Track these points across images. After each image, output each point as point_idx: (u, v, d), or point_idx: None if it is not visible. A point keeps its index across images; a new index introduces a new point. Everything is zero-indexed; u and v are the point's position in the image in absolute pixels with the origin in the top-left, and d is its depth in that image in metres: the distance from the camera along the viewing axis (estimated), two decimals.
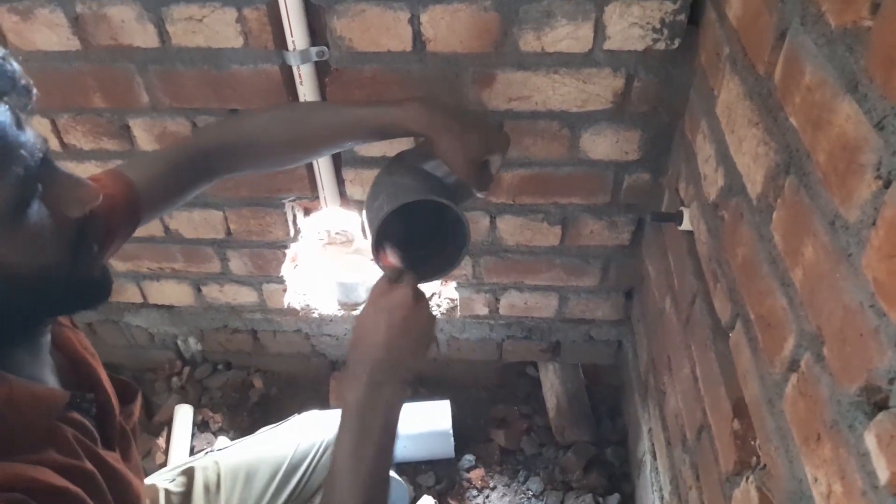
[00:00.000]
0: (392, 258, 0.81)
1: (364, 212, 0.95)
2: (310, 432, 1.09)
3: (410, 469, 1.57)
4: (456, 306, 1.57)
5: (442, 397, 1.61)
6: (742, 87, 0.84)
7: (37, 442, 0.60)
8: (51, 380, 0.66)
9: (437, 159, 0.82)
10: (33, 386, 0.62)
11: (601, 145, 1.20)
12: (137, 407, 0.79)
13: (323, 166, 1.31)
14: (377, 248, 0.81)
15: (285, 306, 1.59)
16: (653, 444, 1.31)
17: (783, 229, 0.70)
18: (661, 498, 1.22)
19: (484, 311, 1.56)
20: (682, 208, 1.06)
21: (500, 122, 1.17)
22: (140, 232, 1.47)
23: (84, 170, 1.37)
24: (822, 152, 0.62)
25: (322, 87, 1.20)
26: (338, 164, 1.32)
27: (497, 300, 1.53)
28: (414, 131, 0.82)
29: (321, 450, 1.07)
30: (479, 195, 0.89)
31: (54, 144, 1.33)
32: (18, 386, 0.60)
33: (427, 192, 0.79)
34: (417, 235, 0.89)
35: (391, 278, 0.76)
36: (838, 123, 0.59)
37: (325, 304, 1.61)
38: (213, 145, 0.88)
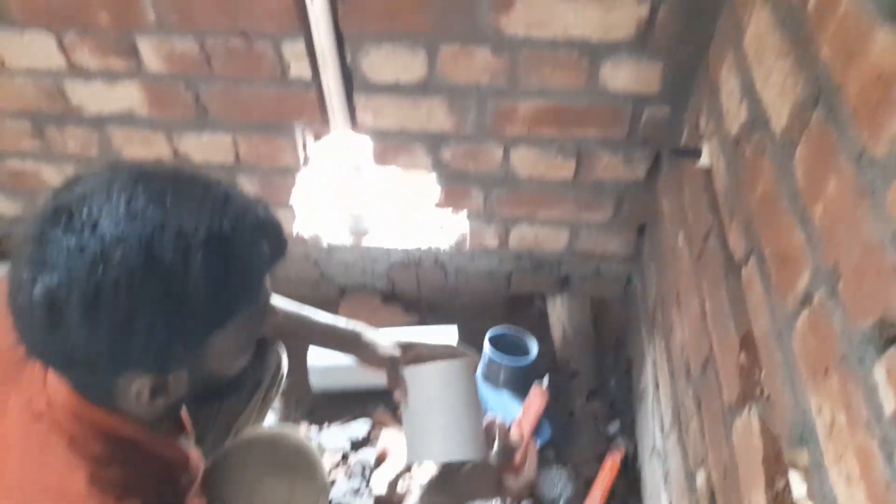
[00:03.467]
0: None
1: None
2: None
3: None
4: (465, 238, 1.57)
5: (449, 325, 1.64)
6: (773, 18, 0.81)
7: (191, 483, 0.81)
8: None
9: None
10: (195, 452, 0.84)
11: (621, 77, 1.17)
12: None
13: (334, 92, 1.29)
14: None
15: (294, 234, 1.60)
16: (656, 376, 1.34)
17: (806, 164, 0.69)
18: (661, 427, 1.26)
19: (494, 243, 1.56)
20: (701, 144, 1.05)
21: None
22: (148, 154, 1.47)
23: (92, 91, 1.35)
24: (854, 85, 0.60)
25: (334, 9, 1.16)
26: (349, 89, 1.29)
27: (507, 233, 1.54)
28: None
29: None
30: None
31: (60, 62, 1.31)
32: (195, 453, 0.83)
33: None
34: None
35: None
36: (873, 55, 0.57)
37: (335, 232, 1.61)
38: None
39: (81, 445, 0.68)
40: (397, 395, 0.94)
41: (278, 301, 1.03)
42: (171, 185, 0.63)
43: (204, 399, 0.78)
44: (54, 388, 0.70)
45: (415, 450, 0.92)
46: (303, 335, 1.07)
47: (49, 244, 0.59)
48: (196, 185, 0.64)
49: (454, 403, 0.91)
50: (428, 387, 0.92)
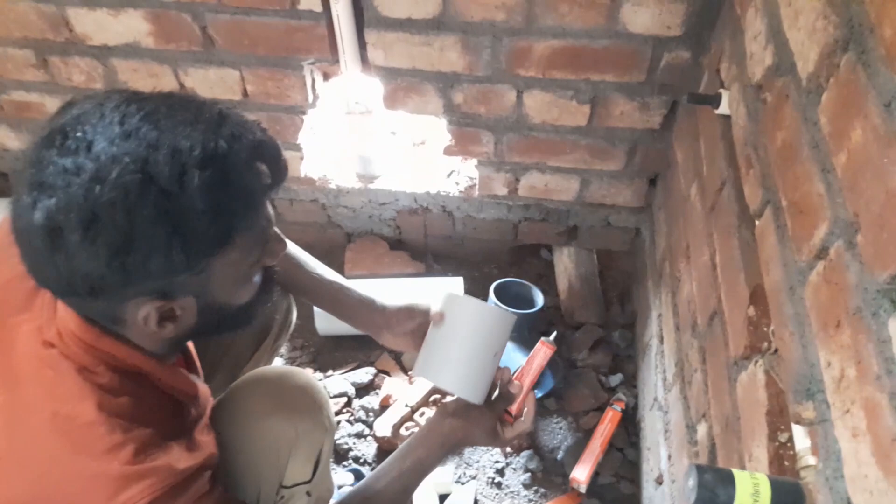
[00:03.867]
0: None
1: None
2: None
3: None
4: (475, 185, 1.55)
5: (455, 274, 1.63)
6: None
7: (199, 417, 0.81)
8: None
9: None
10: (204, 386, 0.83)
11: (642, 17, 1.12)
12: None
13: (344, 26, 1.24)
14: None
15: (302, 175, 1.58)
16: (661, 329, 1.33)
17: (832, 111, 0.66)
18: (664, 380, 1.26)
19: (503, 191, 1.54)
20: (721, 90, 1.00)
21: None
22: (154, 88, 1.44)
23: (96, 19, 1.31)
24: (890, 25, 0.57)
25: None
26: (360, 25, 1.25)
27: (517, 180, 1.51)
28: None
29: None
30: None
31: None
32: (203, 386, 0.82)
33: None
34: None
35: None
36: None
37: (343, 175, 1.59)
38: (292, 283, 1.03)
39: (91, 375, 0.68)
40: (435, 316, 0.94)
41: (294, 250, 1.01)
42: (164, 105, 0.62)
43: (213, 331, 0.77)
44: (64, 317, 0.69)
45: (426, 367, 0.93)
46: (315, 293, 1.02)
47: (46, 167, 0.58)
48: (190, 106, 0.63)
49: (484, 347, 0.91)
50: (468, 319, 0.92)
